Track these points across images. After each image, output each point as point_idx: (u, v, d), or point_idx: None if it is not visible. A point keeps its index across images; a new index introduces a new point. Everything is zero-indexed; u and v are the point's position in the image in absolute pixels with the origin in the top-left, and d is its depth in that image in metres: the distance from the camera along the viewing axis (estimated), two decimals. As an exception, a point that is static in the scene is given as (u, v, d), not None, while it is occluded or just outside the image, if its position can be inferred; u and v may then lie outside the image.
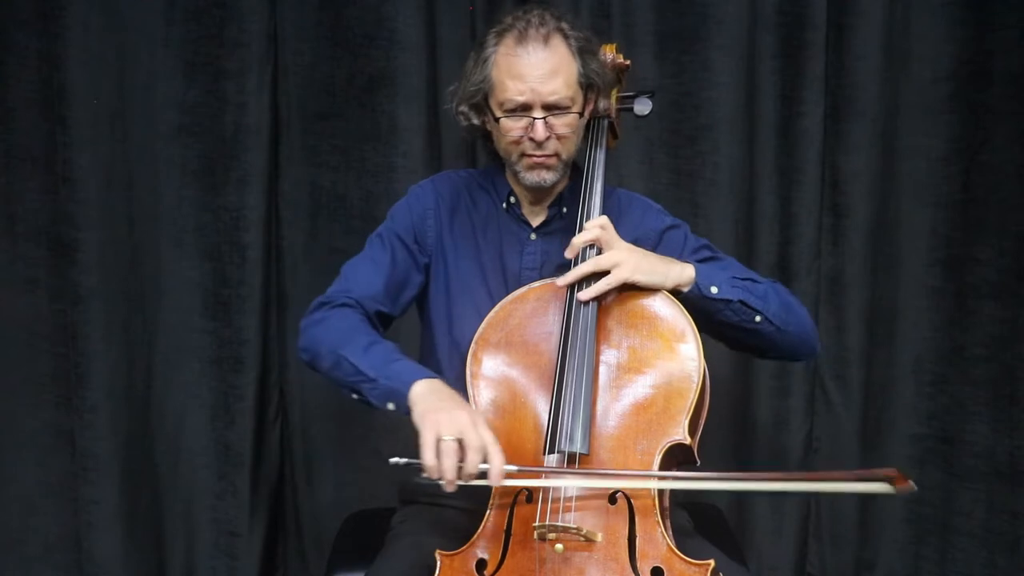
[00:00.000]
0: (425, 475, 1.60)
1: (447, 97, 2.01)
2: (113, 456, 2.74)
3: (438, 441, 1.59)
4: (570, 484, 1.68)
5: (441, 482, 1.60)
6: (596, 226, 1.83)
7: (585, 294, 1.80)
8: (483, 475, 1.61)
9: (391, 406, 1.71)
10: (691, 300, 1.83)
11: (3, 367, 2.76)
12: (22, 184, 2.71)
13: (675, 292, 1.84)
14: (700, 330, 1.81)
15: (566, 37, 1.88)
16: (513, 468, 1.63)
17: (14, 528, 2.81)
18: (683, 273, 1.84)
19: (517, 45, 1.85)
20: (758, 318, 1.86)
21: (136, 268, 2.75)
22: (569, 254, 1.84)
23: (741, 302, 1.85)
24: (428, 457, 1.59)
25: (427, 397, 1.68)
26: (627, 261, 1.81)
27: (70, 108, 2.64)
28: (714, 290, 1.84)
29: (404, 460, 1.64)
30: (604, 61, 1.97)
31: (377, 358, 1.76)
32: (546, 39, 1.85)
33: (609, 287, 1.80)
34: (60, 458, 2.79)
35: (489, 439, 1.61)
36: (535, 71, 1.84)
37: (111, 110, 2.68)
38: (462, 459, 1.59)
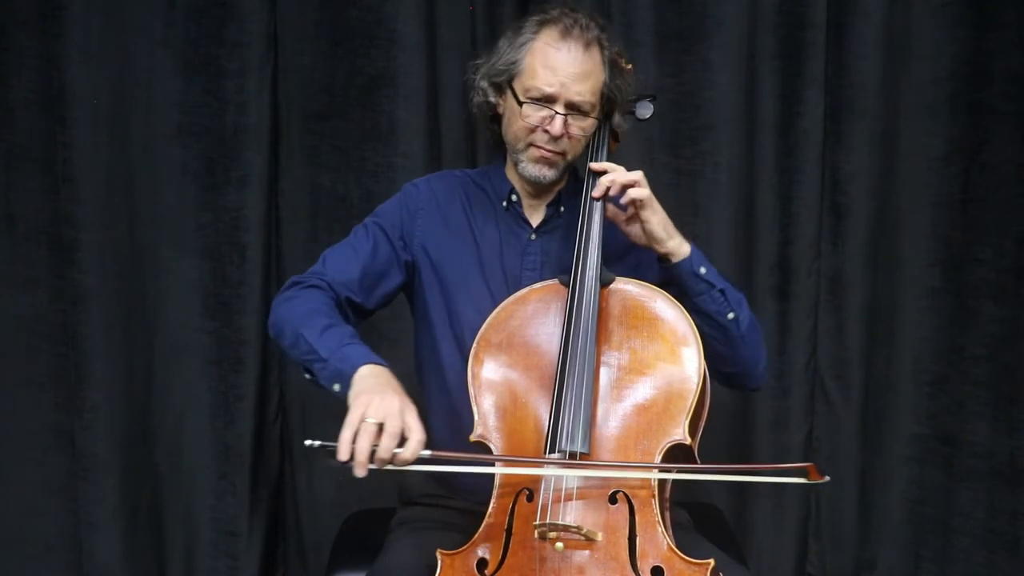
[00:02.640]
0: (338, 458, 1.58)
1: (470, 68, 2.02)
2: (113, 456, 2.74)
3: (361, 422, 1.59)
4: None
5: (351, 464, 1.58)
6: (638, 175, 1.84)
7: (601, 164, 1.86)
8: (392, 461, 1.60)
9: (337, 387, 1.72)
10: (679, 274, 1.85)
11: (3, 367, 2.76)
12: (22, 184, 2.71)
13: (664, 261, 1.85)
14: None
15: (603, 48, 1.91)
16: (427, 453, 1.62)
17: (14, 528, 2.81)
18: (682, 245, 1.86)
19: (560, 39, 1.88)
20: (731, 315, 1.88)
21: (136, 268, 2.75)
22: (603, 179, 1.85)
23: (722, 292, 1.87)
24: (345, 435, 1.58)
25: (367, 380, 1.68)
26: (652, 202, 1.83)
27: (70, 108, 2.64)
28: (703, 270, 1.86)
29: (319, 443, 1.62)
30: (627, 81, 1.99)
31: (332, 339, 1.77)
32: (588, 44, 1.88)
33: (628, 195, 1.82)
34: (60, 458, 2.79)
35: (414, 427, 1.61)
36: (570, 68, 1.87)
37: (111, 110, 2.68)
38: (378, 443, 1.58)
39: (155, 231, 2.75)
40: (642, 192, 1.82)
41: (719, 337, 1.89)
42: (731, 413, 2.82)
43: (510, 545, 1.68)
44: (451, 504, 1.96)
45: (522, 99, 1.89)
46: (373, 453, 1.58)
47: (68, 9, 2.61)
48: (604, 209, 1.88)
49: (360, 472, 1.58)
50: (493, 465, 1.76)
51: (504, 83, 1.93)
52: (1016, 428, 2.60)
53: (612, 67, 1.92)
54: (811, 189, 2.75)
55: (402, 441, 1.60)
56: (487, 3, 2.70)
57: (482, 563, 1.69)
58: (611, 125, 1.99)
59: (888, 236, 2.77)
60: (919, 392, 2.77)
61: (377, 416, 1.59)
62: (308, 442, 1.64)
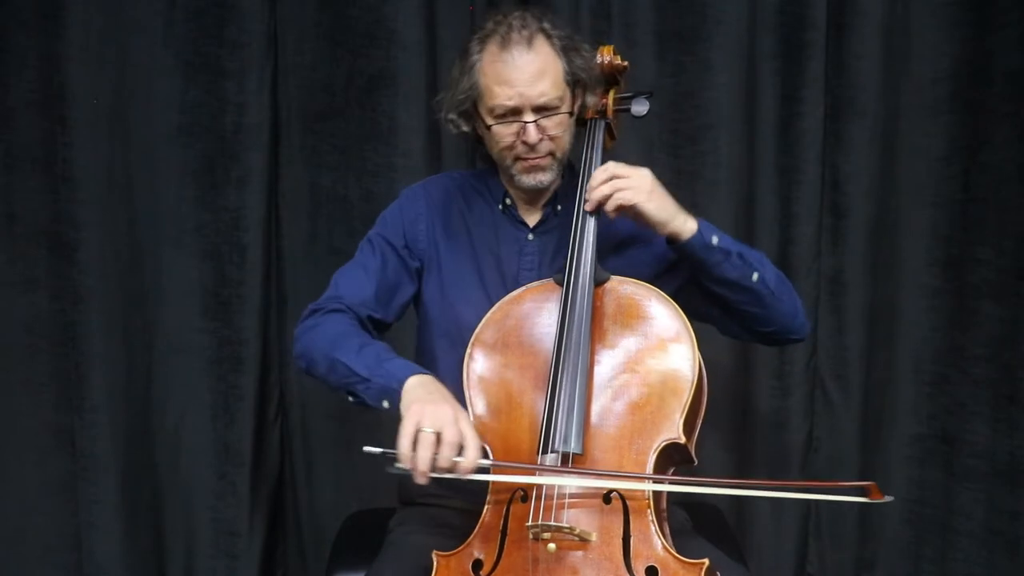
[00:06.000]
0: (399, 465, 1.60)
1: (435, 107, 2.01)
2: (113, 456, 2.74)
3: (417, 432, 1.60)
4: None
5: (412, 472, 1.60)
6: (608, 176, 1.82)
7: (589, 204, 1.83)
8: (453, 471, 1.61)
9: (386, 404, 1.72)
10: (693, 250, 1.84)
11: (3, 367, 2.76)
12: (22, 184, 2.71)
13: (675, 241, 1.84)
14: (695, 308, 1.82)
15: (549, 37, 1.88)
16: (487, 463, 1.63)
17: (14, 528, 2.81)
18: (687, 222, 1.84)
19: (502, 51, 1.85)
20: (755, 276, 1.87)
21: (136, 268, 2.75)
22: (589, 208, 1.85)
23: (740, 255, 1.86)
24: (404, 445, 1.59)
25: (416, 390, 1.69)
26: (643, 187, 1.81)
27: (70, 108, 2.64)
28: (715, 240, 1.85)
29: (379, 449, 1.64)
30: (599, 61, 1.97)
31: (370, 358, 1.76)
32: (529, 41, 1.85)
33: (619, 202, 1.81)
34: (60, 458, 2.79)
35: (469, 435, 1.61)
36: (522, 75, 1.84)
37: (111, 110, 2.68)
38: (438, 452, 1.59)
39: (155, 231, 2.76)
40: (624, 196, 1.81)
41: (750, 300, 1.89)
42: (731, 413, 2.82)
43: (505, 546, 1.68)
44: (450, 504, 1.96)
45: (490, 122, 1.89)
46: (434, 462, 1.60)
47: (68, 9, 2.62)
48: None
49: (422, 480, 1.60)
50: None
51: (469, 109, 1.92)
52: (1016, 428, 2.60)
53: (567, 51, 1.89)
54: (811, 189, 2.75)
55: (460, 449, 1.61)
56: (487, 3, 2.70)
57: (477, 564, 1.69)
58: (603, 121, 1.97)
59: (888, 236, 2.76)
60: (919, 392, 2.77)
61: (434, 426, 1.60)
62: (367, 448, 1.65)
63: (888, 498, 1.65)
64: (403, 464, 1.60)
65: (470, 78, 1.88)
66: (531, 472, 1.71)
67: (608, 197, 1.82)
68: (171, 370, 2.80)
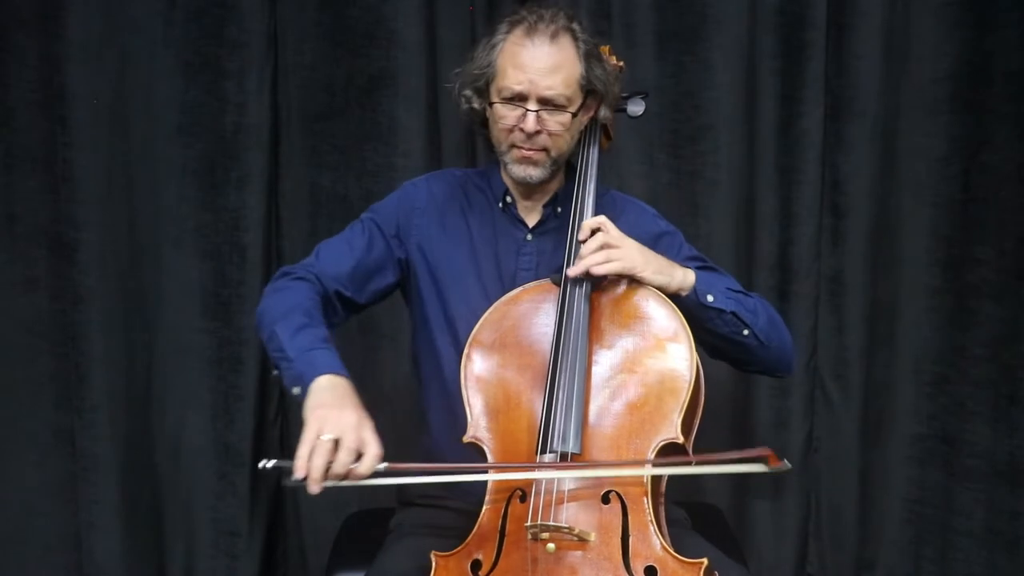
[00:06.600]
0: (294, 477, 1.57)
1: (451, 78, 2.01)
2: (113, 456, 2.74)
3: (317, 438, 1.58)
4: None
5: (306, 482, 1.57)
6: (598, 245, 1.80)
7: (576, 269, 1.79)
8: (348, 476, 1.58)
9: (296, 390, 1.71)
10: (687, 306, 1.83)
11: (3, 367, 2.76)
12: (22, 184, 2.71)
13: (673, 296, 1.83)
14: None
15: (576, 38, 1.88)
16: (383, 466, 1.60)
17: (14, 528, 2.81)
18: (686, 278, 1.85)
19: (525, 36, 1.87)
20: (746, 332, 1.87)
21: (136, 268, 2.75)
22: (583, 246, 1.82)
23: (733, 313, 1.86)
24: (302, 452, 1.57)
25: (323, 392, 1.66)
26: (634, 255, 1.81)
27: (70, 108, 2.64)
28: (710, 298, 1.85)
29: (273, 462, 1.61)
30: (610, 69, 1.96)
31: (304, 341, 1.75)
32: (554, 35, 1.86)
33: (614, 271, 1.79)
34: (60, 458, 2.79)
35: (371, 442, 1.59)
36: (537, 63, 1.85)
37: (111, 110, 2.68)
38: (335, 459, 1.57)
39: (155, 231, 2.76)
40: (616, 266, 1.79)
41: (736, 350, 1.91)
42: (731, 413, 2.82)
43: (504, 546, 1.67)
44: (448, 505, 1.96)
45: (494, 100, 1.89)
46: (329, 469, 1.57)
47: (68, 9, 2.61)
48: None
49: (314, 489, 1.57)
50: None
51: (483, 87, 1.92)
52: (1016, 428, 2.60)
53: (589, 57, 1.89)
54: (811, 189, 2.75)
55: (359, 457, 1.59)
56: (487, 3, 2.70)
57: (476, 564, 1.68)
58: (598, 119, 1.97)
59: (888, 236, 2.76)
60: (919, 392, 2.77)
61: (334, 432, 1.58)
62: (262, 464, 1.63)
63: (785, 463, 1.61)
64: (298, 472, 1.56)
65: (490, 56, 1.90)
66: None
67: (602, 264, 1.79)
68: (171, 370, 2.80)
